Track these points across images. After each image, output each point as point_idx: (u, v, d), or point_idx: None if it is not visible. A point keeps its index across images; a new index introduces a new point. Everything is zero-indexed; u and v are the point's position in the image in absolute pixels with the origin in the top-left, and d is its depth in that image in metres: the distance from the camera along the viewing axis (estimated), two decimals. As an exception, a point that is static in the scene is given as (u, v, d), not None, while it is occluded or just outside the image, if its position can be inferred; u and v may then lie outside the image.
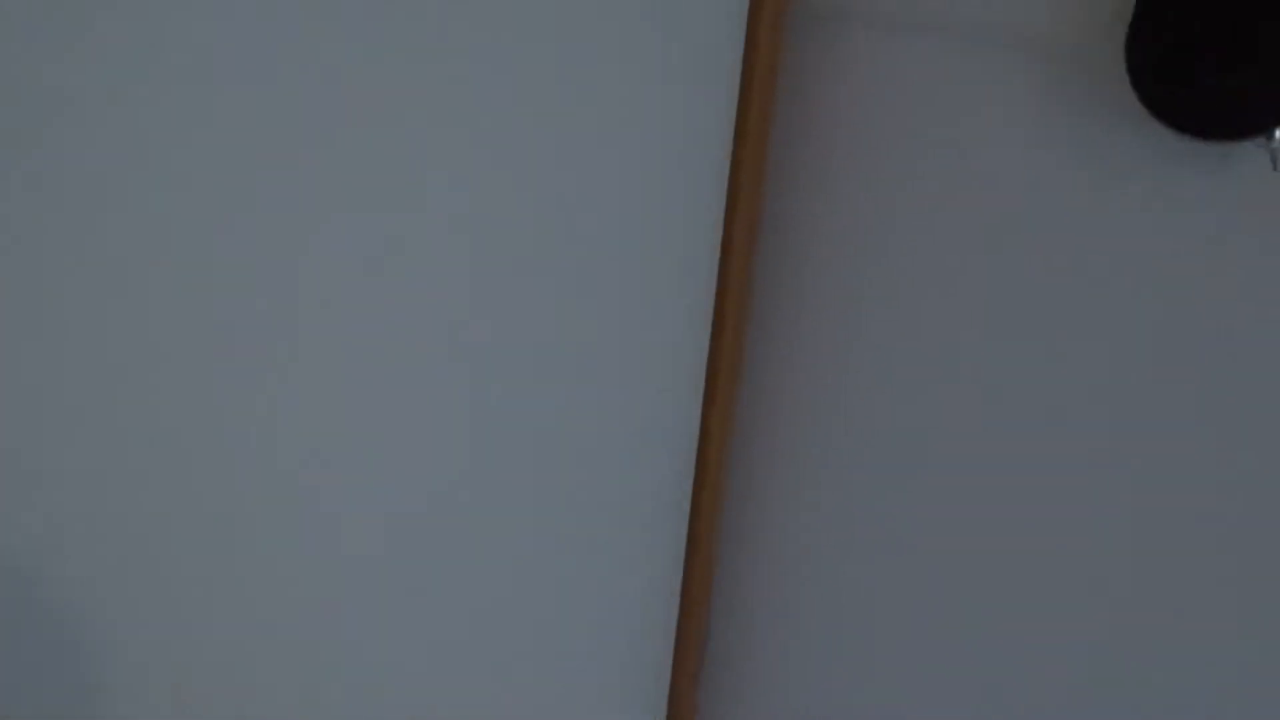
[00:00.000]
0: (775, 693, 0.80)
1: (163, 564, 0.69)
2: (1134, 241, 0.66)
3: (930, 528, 0.74)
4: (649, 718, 0.79)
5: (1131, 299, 0.66)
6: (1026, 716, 0.74)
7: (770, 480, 0.77)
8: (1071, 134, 0.66)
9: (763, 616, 0.80)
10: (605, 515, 0.74)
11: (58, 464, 0.67)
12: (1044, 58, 0.66)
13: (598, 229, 0.68)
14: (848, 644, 0.78)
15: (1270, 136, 0.61)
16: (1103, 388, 0.68)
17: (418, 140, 0.64)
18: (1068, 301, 0.67)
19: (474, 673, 0.74)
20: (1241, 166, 0.62)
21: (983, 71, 0.67)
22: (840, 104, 0.69)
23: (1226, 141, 0.60)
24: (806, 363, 0.74)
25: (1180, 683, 0.70)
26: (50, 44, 0.62)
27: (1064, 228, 0.67)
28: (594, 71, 0.65)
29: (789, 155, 0.71)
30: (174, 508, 0.68)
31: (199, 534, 0.69)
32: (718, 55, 0.66)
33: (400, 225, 0.66)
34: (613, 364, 0.71)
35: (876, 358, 0.72)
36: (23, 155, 0.63)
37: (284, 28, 0.62)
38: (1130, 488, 0.68)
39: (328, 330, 0.66)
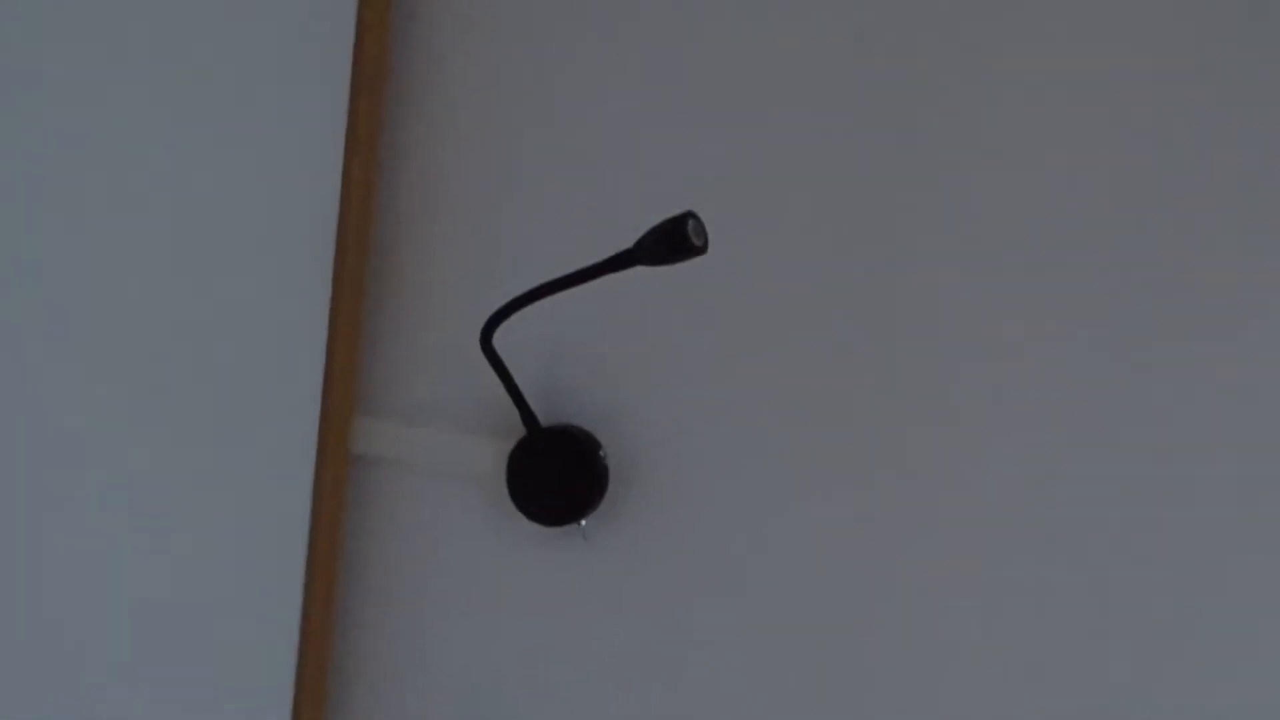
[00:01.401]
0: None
1: None
2: (530, 583, 1.20)
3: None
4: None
5: (539, 635, 1.19)
6: None
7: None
8: (499, 525, 1.21)
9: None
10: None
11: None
12: (479, 487, 1.21)
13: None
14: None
15: (579, 524, 1.18)
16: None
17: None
18: (493, 632, 1.20)
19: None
20: (572, 539, 1.19)
21: (447, 496, 1.22)
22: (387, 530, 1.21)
23: (559, 527, 1.17)
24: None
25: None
26: None
27: (497, 578, 1.21)
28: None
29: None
30: None
31: None
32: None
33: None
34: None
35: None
36: None
37: None
38: None
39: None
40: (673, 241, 0.92)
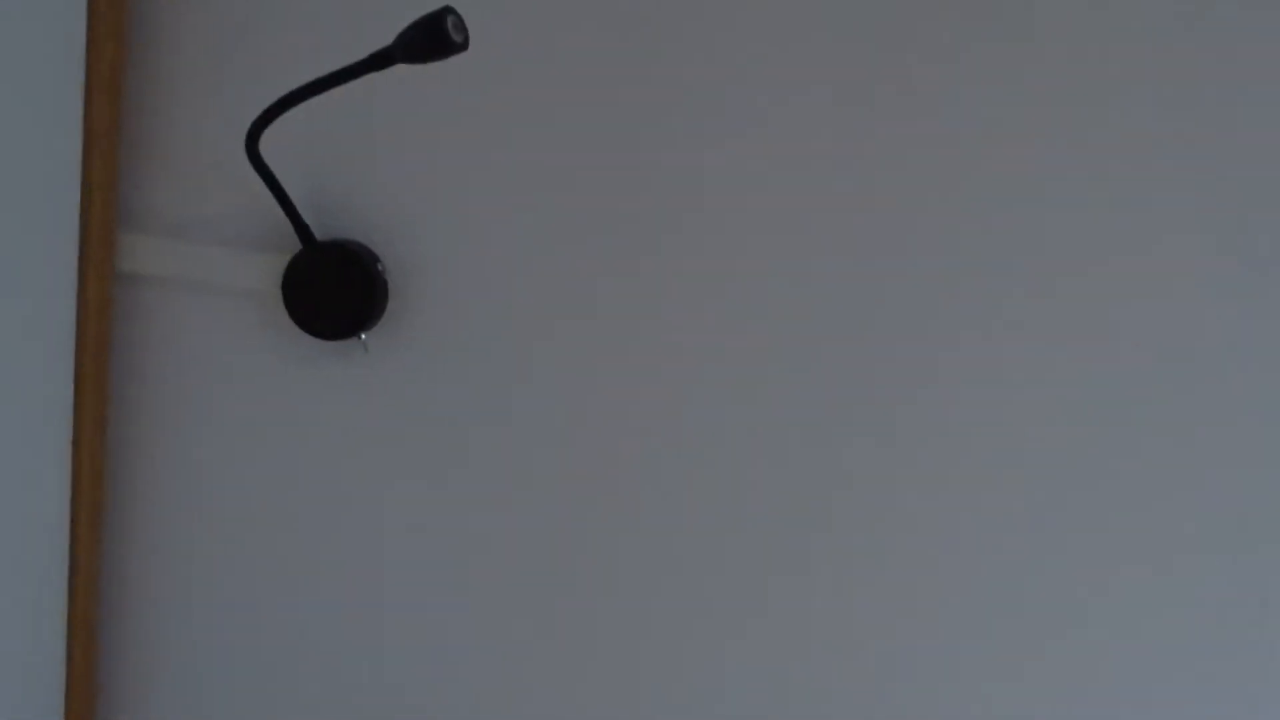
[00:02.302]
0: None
1: None
2: (310, 398, 1.19)
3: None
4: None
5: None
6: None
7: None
8: (277, 341, 1.19)
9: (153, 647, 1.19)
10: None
11: None
12: (256, 303, 1.19)
13: None
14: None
15: (359, 336, 1.17)
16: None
17: None
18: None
19: None
20: (353, 352, 1.18)
21: (222, 313, 1.19)
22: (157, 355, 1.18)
23: (339, 340, 1.16)
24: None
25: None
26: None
27: (277, 394, 1.19)
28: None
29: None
30: None
31: None
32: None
33: None
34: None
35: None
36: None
37: None
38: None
39: None
40: (431, 37, 0.90)
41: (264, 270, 1.16)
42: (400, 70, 1.03)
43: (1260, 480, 1.04)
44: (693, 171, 1.09)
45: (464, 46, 0.91)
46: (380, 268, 1.14)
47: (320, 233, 1.15)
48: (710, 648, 1.14)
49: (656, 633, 1.15)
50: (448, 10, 0.90)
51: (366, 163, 1.14)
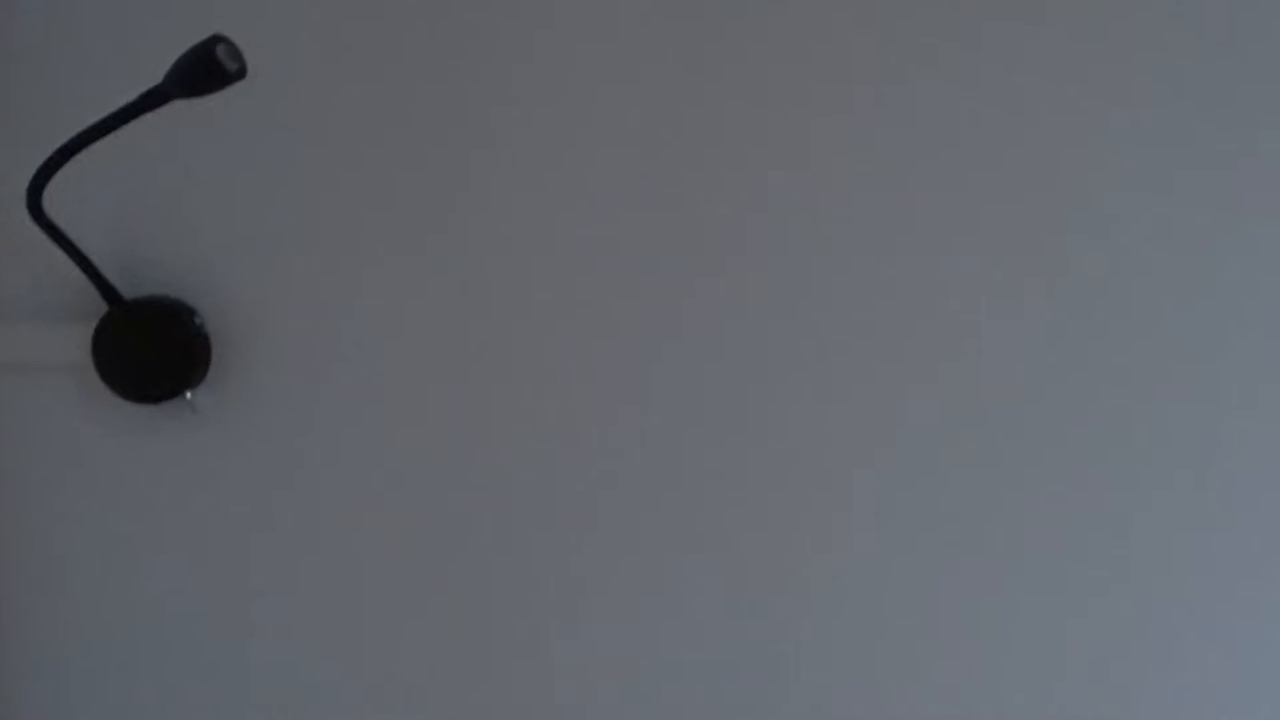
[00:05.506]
0: None
1: None
2: (145, 464, 1.11)
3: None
4: None
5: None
6: None
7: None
8: (97, 413, 1.11)
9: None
10: None
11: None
12: (70, 376, 1.11)
13: None
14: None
15: (185, 396, 1.10)
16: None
17: None
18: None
19: None
20: (181, 414, 1.11)
21: (33, 394, 1.11)
22: None
23: (163, 404, 1.09)
24: None
25: None
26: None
27: (106, 470, 1.11)
28: None
29: None
30: None
31: None
32: None
33: None
34: None
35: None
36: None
37: None
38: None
39: None
40: (203, 68, 0.84)
41: (71, 340, 1.08)
42: (182, 105, 0.97)
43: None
44: (503, 186, 1.05)
45: (241, 75, 0.85)
46: (198, 321, 1.07)
47: (128, 291, 1.08)
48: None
49: None
50: (217, 39, 0.84)
51: (168, 210, 1.08)
